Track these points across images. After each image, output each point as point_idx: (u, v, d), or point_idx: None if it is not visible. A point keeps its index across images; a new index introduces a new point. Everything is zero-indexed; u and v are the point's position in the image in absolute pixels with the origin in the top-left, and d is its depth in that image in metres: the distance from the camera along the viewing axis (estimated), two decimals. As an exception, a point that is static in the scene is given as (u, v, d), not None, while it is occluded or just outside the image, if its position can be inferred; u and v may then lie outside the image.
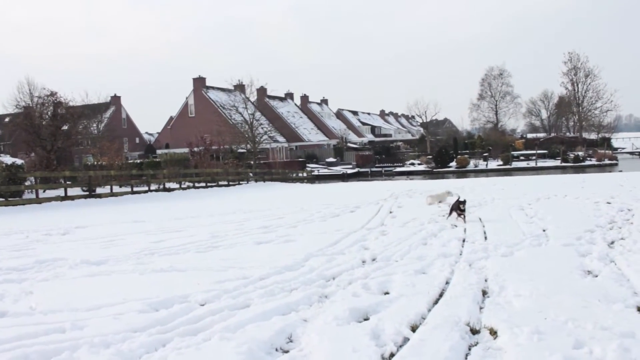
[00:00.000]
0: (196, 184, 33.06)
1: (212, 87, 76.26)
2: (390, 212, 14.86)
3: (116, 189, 27.60)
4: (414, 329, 4.86)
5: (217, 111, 69.66)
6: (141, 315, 5.49)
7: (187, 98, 75.59)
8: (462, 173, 55.30)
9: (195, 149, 45.22)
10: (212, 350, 4.47)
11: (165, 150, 65.90)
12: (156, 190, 29.17)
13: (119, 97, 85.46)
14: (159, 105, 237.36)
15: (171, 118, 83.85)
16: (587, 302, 5.31)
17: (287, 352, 4.53)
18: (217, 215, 16.08)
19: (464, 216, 12.01)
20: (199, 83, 74.93)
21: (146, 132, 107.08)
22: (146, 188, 29.00)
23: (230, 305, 5.75)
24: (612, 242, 8.81)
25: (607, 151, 66.52)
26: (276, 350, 4.58)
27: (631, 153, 79.24)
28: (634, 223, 10.80)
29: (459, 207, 12.05)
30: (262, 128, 59.62)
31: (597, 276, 6.55)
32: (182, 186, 31.91)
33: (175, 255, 9.16)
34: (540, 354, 4.07)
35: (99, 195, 25.20)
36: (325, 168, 65.37)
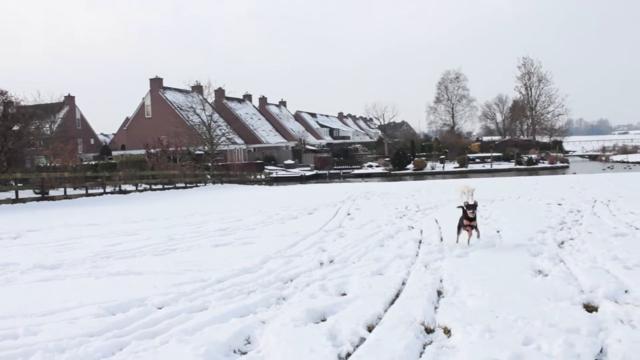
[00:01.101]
0: (153, 186, 32.68)
1: (170, 88, 75.37)
2: (348, 214, 14.99)
3: (70, 191, 27.06)
4: (370, 329, 4.95)
5: (174, 112, 68.91)
6: (97, 319, 5.43)
7: (143, 99, 74.51)
8: (419, 175, 55.99)
9: (152, 151, 44.64)
10: (169, 353, 4.47)
11: (121, 152, 64.90)
12: (112, 193, 28.72)
13: (73, 97, 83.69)
14: (115, 106, 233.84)
15: (127, 119, 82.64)
16: (537, 301, 5.49)
17: (245, 353, 4.55)
18: (174, 217, 15.93)
19: (476, 228, 9.11)
20: (156, 84, 73.94)
21: (101, 133, 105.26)
22: (101, 190, 28.49)
23: (188, 308, 5.74)
24: (562, 243, 9.10)
25: (558, 154, 68.40)
26: (234, 352, 4.60)
27: (581, 156, 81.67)
28: (583, 224, 11.16)
29: (466, 216, 9.00)
30: (220, 130, 59.28)
31: (547, 275, 6.75)
32: (139, 188, 31.48)
33: (131, 259, 9.06)
34: (491, 351, 4.20)
35: (52, 198, 24.64)
36: (283, 170, 65.35)
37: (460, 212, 9.31)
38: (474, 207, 8.96)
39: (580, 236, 9.61)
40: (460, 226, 9.17)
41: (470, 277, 6.72)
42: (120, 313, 5.63)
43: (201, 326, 5.10)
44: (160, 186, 33.16)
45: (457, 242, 9.26)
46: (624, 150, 78.30)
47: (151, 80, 74.16)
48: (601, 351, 4.18)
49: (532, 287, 6.10)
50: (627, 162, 62.22)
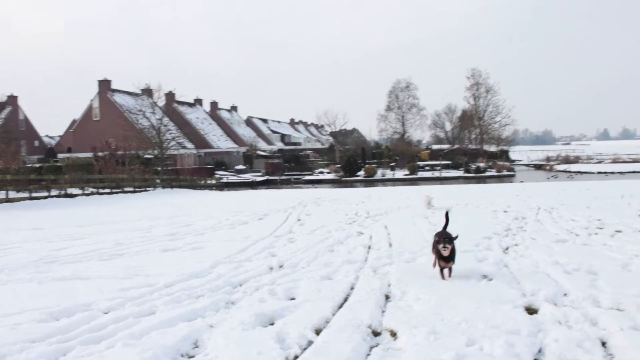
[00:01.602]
0: (100, 190, 31.97)
1: (119, 91, 73.96)
2: (299, 220, 15.03)
3: (12, 194, 26.20)
4: (318, 332, 5.00)
5: (123, 115, 67.59)
6: (40, 324, 5.31)
7: (91, 101, 72.87)
8: (369, 182, 56.45)
9: (100, 154, 43.72)
10: (115, 357, 4.42)
11: (68, 155, 63.19)
12: (57, 196, 27.94)
13: (16, 97, 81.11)
14: (61, 107, 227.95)
15: (74, 121, 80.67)
16: (481, 304, 5.64)
17: (192, 357, 4.54)
18: (122, 222, 15.67)
19: (449, 268, 7.04)
20: (105, 86, 72.43)
21: (46, 135, 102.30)
22: (46, 194, 27.72)
23: (135, 313, 5.67)
24: (507, 248, 9.36)
25: (505, 163, 70.10)
26: (182, 355, 4.58)
27: (527, 165, 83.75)
28: (527, 230, 11.51)
29: (440, 255, 6.95)
30: (170, 134, 58.47)
31: (491, 280, 6.94)
32: (86, 192, 30.71)
33: (77, 264, 8.89)
34: (436, 352, 4.31)
35: (-6, 201, 23.86)
36: (234, 175, 64.95)
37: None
38: (447, 241, 6.84)
39: (524, 242, 9.92)
40: (436, 256, 7.10)
41: (418, 281, 6.85)
42: (64, 318, 5.53)
43: (148, 330, 5.06)
44: (108, 190, 32.48)
45: (433, 267, 7.25)
46: (567, 160, 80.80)
47: (99, 82, 72.61)
48: (540, 351, 4.35)
49: (477, 291, 6.26)
50: (570, 172, 64.19)
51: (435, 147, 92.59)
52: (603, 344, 4.48)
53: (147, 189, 36.98)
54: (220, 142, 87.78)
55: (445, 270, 7.06)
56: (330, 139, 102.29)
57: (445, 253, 6.88)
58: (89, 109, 72.97)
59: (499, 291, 6.25)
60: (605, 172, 61.67)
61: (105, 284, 7.17)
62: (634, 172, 60.80)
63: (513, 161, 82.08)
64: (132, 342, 4.73)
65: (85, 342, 4.81)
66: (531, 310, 5.51)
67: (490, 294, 6.13)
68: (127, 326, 5.23)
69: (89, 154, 47.08)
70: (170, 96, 76.40)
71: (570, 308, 5.48)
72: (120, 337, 4.89)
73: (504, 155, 79.34)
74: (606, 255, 8.39)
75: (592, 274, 7.00)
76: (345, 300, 6.17)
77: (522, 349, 4.29)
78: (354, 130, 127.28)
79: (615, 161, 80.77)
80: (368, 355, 4.42)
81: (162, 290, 6.72)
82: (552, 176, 58.11)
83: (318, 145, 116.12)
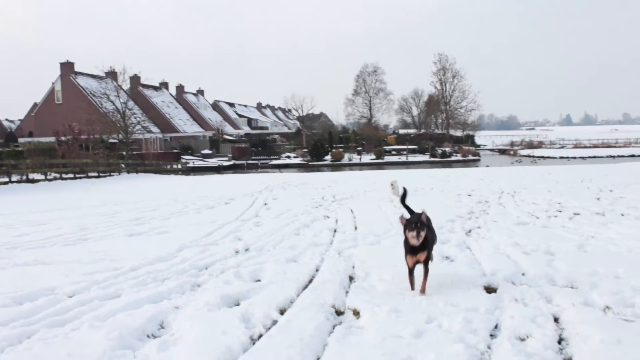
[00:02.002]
0: (63, 175, 31.41)
1: (82, 73, 72.30)
2: (265, 204, 15.07)
3: (-29, 180, 25.66)
4: (282, 312, 5.09)
5: (86, 99, 66.28)
6: (3, 309, 5.27)
7: (53, 84, 71.13)
8: (336, 166, 56.64)
9: (63, 138, 42.89)
10: (81, 338, 4.43)
11: (29, 139, 61.82)
12: (18, 182, 27.40)
13: (-26, 81, 78.97)
14: (21, 91, 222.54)
15: (35, 105, 78.71)
16: (442, 284, 5.79)
17: (158, 337, 4.58)
18: (86, 207, 15.50)
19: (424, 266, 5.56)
20: (67, 68, 70.68)
21: (6, 119, 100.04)
22: (7, 179, 27.14)
23: (100, 296, 5.67)
24: (470, 231, 9.58)
25: (471, 148, 71.04)
26: (148, 336, 4.62)
27: (491, 150, 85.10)
28: (490, 213, 11.77)
29: (409, 246, 5.53)
30: (135, 118, 57.72)
31: (453, 261, 7.13)
32: (48, 177, 30.15)
33: (40, 249, 8.80)
34: (396, 329, 4.45)
35: (-48, 187, 23.31)
36: (200, 160, 64.45)
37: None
38: (417, 225, 5.45)
39: (486, 225, 10.16)
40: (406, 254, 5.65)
41: (382, 263, 6.98)
42: (27, 302, 5.50)
43: (114, 312, 5.08)
44: (71, 175, 31.93)
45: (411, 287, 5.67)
46: (531, 145, 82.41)
47: (62, 64, 70.79)
48: (496, 327, 4.51)
49: (439, 272, 6.40)
50: (533, 157, 65.55)
51: (402, 131, 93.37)
52: (556, 319, 4.67)
53: (112, 173, 36.49)
54: (187, 126, 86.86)
55: (418, 272, 5.59)
56: (298, 123, 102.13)
57: (415, 242, 5.44)
58: (51, 92, 71.23)
59: (460, 272, 6.42)
60: (567, 157, 63.19)
61: (70, 268, 7.12)
62: (594, 157, 62.42)
63: (478, 146, 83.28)
64: (97, 323, 4.75)
65: (49, 325, 4.81)
66: (490, 289, 5.68)
67: (451, 274, 6.29)
68: (92, 309, 5.23)
69: (52, 139, 46.09)
70: (135, 79, 75.08)
71: (527, 287, 5.68)
72: (86, 319, 4.89)
73: (469, 140, 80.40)
74: (564, 236, 8.65)
75: (549, 255, 7.23)
76: (310, 281, 6.27)
77: (479, 325, 4.45)
78: (322, 115, 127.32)
79: (576, 146, 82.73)
80: (331, 333, 4.52)
81: (128, 274, 6.71)
82: (516, 161, 59.17)
83: (285, 130, 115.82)
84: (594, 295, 5.22)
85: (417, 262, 5.56)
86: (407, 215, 5.95)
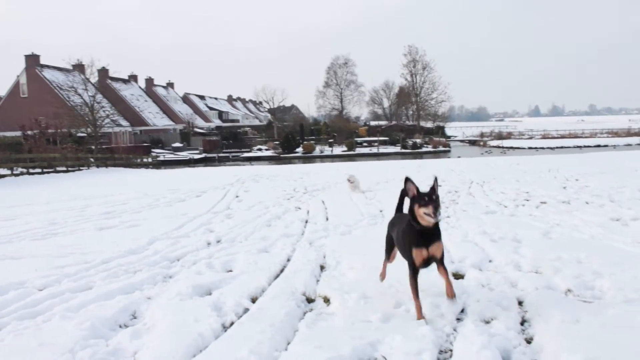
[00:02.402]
0: (31, 170, 30.92)
1: (48, 66, 70.94)
2: (237, 197, 15.09)
3: None
4: (254, 300, 5.17)
5: (53, 92, 65.06)
6: (-28, 304, 5.25)
7: (18, 77, 69.61)
8: (308, 159, 56.69)
9: (29, 132, 42.18)
10: (53, 329, 4.45)
11: (-6, 134, 60.69)
12: (-16, 177, 26.96)
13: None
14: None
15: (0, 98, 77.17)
16: (411, 271, 5.91)
17: (131, 326, 4.62)
18: (55, 202, 15.33)
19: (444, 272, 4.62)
20: (33, 61, 69.20)
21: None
22: (-28, 175, 26.69)
23: (71, 288, 5.68)
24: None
25: (441, 139, 71.69)
26: (120, 326, 4.66)
27: (462, 141, 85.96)
28: (459, 203, 11.96)
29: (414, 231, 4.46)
30: (103, 111, 56.80)
31: (422, 249, 7.24)
32: (15, 172, 29.69)
33: (7, 244, 8.73)
34: (365, 314, 4.56)
35: None
36: (171, 153, 63.93)
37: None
38: (433, 199, 4.28)
39: (455, 214, 10.33)
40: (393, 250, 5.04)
41: (352, 252, 7.09)
42: (-3, 296, 5.47)
43: (86, 304, 5.10)
44: (39, 170, 31.44)
45: (382, 279, 5.30)
46: (500, 136, 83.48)
47: (27, 57, 69.24)
48: (462, 310, 4.64)
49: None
50: (503, 147, 66.41)
51: (373, 123, 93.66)
52: (520, 302, 4.82)
53: (81, 168, 36.01)
54: (157, 119, 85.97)
55: (442, 282, 4.51)
56: (269, 115, 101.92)
57: (430, 220, 4.20)
58: (16, 85, 69.73)
59: (428, 259, 6.54)
60: (535, 148, 64.22)
61: (39, 262, 7.09)
62: (561, 147, 63.50)
63: (449, 137, 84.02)
64: (69, 314, 4.77)
65: (20, 317, 4.81)
66: (458, 276, 5.82)
67: (420, 261, 6.41)
68: (63, 301, 5.24)
69: (17, 133, 45.29)
70: (103, 72, 73.92)
71: (493, 272, 5.84)
72: (57, 311, 4.91)
73: (440, 131, 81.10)
74: (531, 224, 8.85)
75: (516, 242, 7.41)
76: (282, 271, 6.35)
77: (446, 309, 4.58)
78: (293, 107, 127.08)
79: (544, 137, 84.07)
80: (301, 319, 4.61)
81: (99, 267, 6.72)
82: (486, 152, 59.91)
83: (256, 122, 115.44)
84: (557, 280, 5.40)
85: (431, 259, 4.33)
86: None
